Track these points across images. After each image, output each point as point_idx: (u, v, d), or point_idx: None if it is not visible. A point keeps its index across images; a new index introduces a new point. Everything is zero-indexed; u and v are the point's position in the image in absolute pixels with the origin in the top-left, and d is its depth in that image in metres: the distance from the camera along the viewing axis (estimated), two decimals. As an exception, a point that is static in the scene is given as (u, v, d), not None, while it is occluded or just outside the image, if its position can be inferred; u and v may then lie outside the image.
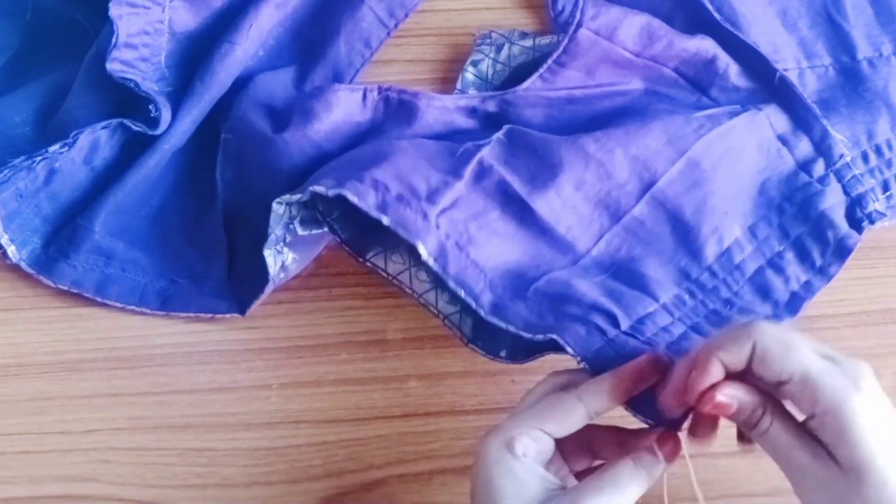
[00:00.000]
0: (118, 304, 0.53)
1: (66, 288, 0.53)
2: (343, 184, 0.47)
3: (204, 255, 0.54)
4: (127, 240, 0.54)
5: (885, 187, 0.54)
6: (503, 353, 0.49)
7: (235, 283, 0.53)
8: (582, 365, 0.45)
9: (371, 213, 0.46)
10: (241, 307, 0.53)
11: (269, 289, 0.51)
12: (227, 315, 0.53)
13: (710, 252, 0.51)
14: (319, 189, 0.47)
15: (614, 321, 0.47)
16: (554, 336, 0.45)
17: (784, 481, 0.50)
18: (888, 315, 0.53)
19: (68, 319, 0.54)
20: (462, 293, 0.47)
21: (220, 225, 0.54)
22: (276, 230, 0.50)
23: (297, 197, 0.48)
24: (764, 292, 0.51)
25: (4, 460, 0.50)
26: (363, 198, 0.46)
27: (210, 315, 0.53)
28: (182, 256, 0.54)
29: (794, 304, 0.51)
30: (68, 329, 0.53)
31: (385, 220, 0.46)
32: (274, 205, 0.49)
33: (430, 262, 0.46)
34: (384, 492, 0.50)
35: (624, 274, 0.50)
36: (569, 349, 0.45)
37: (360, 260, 0.51)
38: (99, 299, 0.53)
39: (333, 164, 0.51)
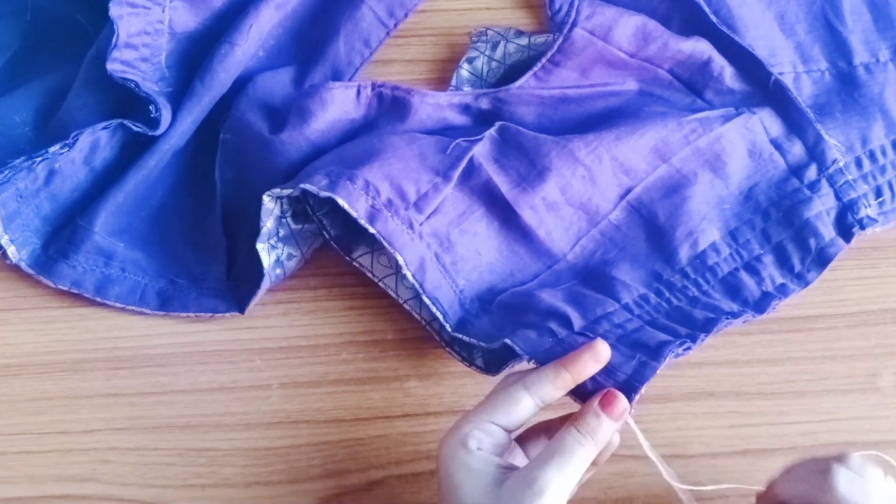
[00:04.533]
0: (118, 305, 0.53)
1: (65, 288, 0.53)
2: (335, 185, 0.48)
3: (203, 255, 0.54)
4: (127, 240, 0.54)
5: (878, 193, 0.54)
6: (479, 362, 0.51)
7: (235, 282, 0.53)
8: (532, 364, 0.45)
9: (360, 222, 0.48)
10: (241, 307, 0.53)
11: (265, 284, 0.51)
12: (227, 314, 0.53)
13: (684, 255, 0.52)
14: (311, 188, 0.48)
15: (567, 323, 0.47)
16: (506, 340, 0.46)
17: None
18: (888, 315, 0.53)
19: (68, 319, 0.54)
20: (434, 308, 0.49)
21: (219, 225, 0.54)
22: (267, 223, 0.50)
23: (287, 191, 0.49)
24: (734, 292, 0.51)
25: (4, 460, 0.50)
26: (354, 203, 0.48)
27: (210, 315, 0.53)
28: (181, 257, 0.54)
29: (763, 304, 0.50)
30: (68, 329, 0.53)
31: (372, 230, 0.48)
32: (264, 198, 0.49)
33: (409, 276, 0.48)
34: (384, 492, 0.50)
35: (594, 277, 0.51)
36: (517, 349, 0.46)
37: (348, 258, 0.52)
38: (99, 300, 0.53)
39: (325, 159, 0.51)
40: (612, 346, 0.44)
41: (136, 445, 0.51)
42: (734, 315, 0.49)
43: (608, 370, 0.44)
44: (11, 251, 0.53)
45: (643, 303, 0.50)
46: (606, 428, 0.41)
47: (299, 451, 0.51)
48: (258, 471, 0.50)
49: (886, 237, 0.55)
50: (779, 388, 0.52)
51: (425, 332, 0.52)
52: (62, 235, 0.54)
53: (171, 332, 0.53)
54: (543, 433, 0.45)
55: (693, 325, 0.48)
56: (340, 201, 0.47)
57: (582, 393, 0.43)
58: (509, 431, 0.42)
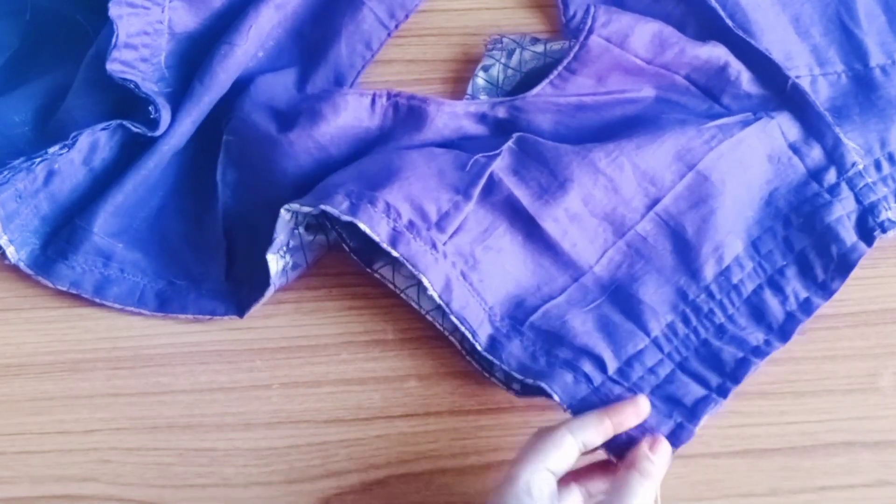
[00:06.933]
0: (116, 306, 0.53)
1: (64, 289, 0.53)
2: (356, 208, 0.48)
3: (202, 256, 0.54)
4: (126, 241, 0.54)
5: None
6: (498, 374, 0.51)
7: (233, 285, 0.53)
8: (568, 413, 0.47)
9: (382, 246, 0.48)
10: (240, 309, 0.53)
11: (269, 292, 0.51)
12: (226, 316, 0.53)
13: (709, 271, 0.52)
14: (331, 210, 0.48)
15: (602, 366, 0.48)
16: (542, 384, 0.47)
17: (784, 481, 0.50)
18: (888, 315, 0.53)
19: (68, 319, 0.54)
20: (462, 328, 0.49)
21: (218, 227, 0.54)
22: (280, 235, 0.50)
23: (307, 209, 0.49)
24: (759, 315, 0.51)
25: (4, 460, 0.50)
26: (375, 227, 0.48)
27: (209, 316, 0.53)
28: (181, 258, 0.54)
29: (787, 328, 0.51)
30: (68, 329, 0.53)
31: (395, 254, 0.48)
32: (282, 211, 0.49)
33: (435, 296, 0.49)
34: (384, 492, 0.50)
35: (621, 298, 0.51)
36: (556, 397, 0.47)
37: (369, 270, 0.52)
38: (97, 300, 0.53)
39: (343, 175, 0.51)
40: (649, 399, 0.47)
41: (136, 445, 0.51)
42: (761, 354, 0.50)
43: (647, 429, 0.46)
44: (10, 251, 0.53)
45: (672, 336, 0.50)
46: (660, 469, 0.44)
47: (299, 451, 0.51)
48: (258, 471, 0.50)
49: (886, 237, 0.54)
50: (779, 388, 0.51)
51: (425, 332, 0.52)
52: (61, 236, 0.54)
53: (170, 333, 0.53)
54: (572, 480, 0.46)
55: (722, 369, 0.49)
56: (362, 226, 0.48)
57: (614, 445, 0.46)
58: (557, 477, 0.44)
